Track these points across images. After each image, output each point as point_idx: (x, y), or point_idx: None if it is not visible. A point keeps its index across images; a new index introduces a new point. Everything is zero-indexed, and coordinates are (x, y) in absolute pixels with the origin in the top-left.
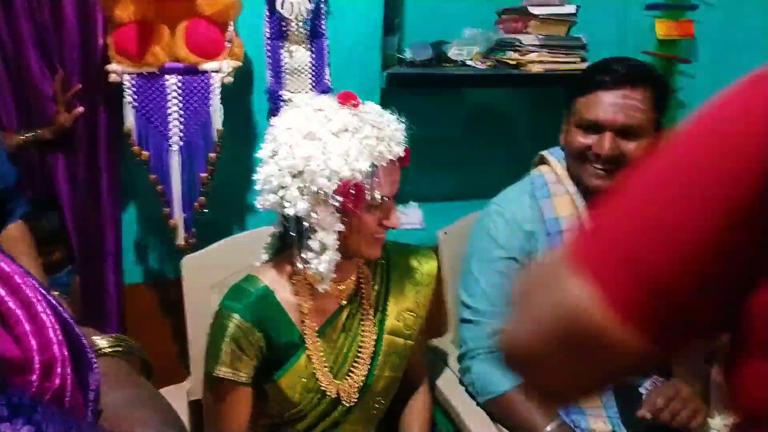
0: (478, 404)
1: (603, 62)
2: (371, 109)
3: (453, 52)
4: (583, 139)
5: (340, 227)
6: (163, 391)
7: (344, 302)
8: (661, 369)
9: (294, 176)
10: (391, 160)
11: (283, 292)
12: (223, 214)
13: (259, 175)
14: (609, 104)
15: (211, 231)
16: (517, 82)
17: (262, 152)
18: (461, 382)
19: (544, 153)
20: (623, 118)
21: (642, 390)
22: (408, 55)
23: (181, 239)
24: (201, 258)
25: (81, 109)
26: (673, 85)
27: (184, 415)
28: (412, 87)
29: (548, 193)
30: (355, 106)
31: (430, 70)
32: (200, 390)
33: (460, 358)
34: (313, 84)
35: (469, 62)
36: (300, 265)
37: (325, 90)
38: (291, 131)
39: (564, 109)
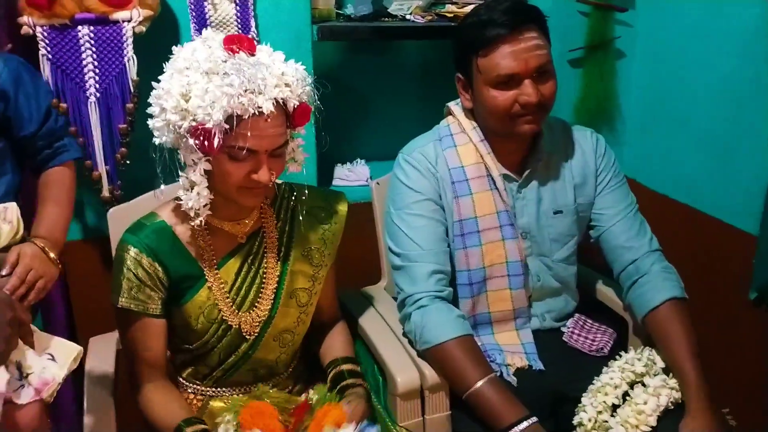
0: (418, 353)
1: (482, 15)
2: (258, 57)
3: (393, 7)
4: (503, 97)
5: (207, 166)
6: (95, 339)
7: (243, 240)
8: (583, 308)
9: (162, 108)
10: (259, 113)
11: (181, 227)
12: (153, 167)
13: (150, 99)
14: (517, 53)
15: (144, 184)
16: (453, 35)
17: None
18: (404, 333)
19: (450, 104)
20: (535, 61)
21: (563, 329)
22: (349, 10)
23: (105, 191)
24: (127, 210)
25: None
26: (611, 35)
27: (111, 364)
28: (344, 40)
29: (453, 143)
30: (233, 51)
31: (364, 24)
32: None
33: (400, 306)
34: None
35: (408, 16)
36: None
37: None
38: (174, 62)
39: (458, 72)
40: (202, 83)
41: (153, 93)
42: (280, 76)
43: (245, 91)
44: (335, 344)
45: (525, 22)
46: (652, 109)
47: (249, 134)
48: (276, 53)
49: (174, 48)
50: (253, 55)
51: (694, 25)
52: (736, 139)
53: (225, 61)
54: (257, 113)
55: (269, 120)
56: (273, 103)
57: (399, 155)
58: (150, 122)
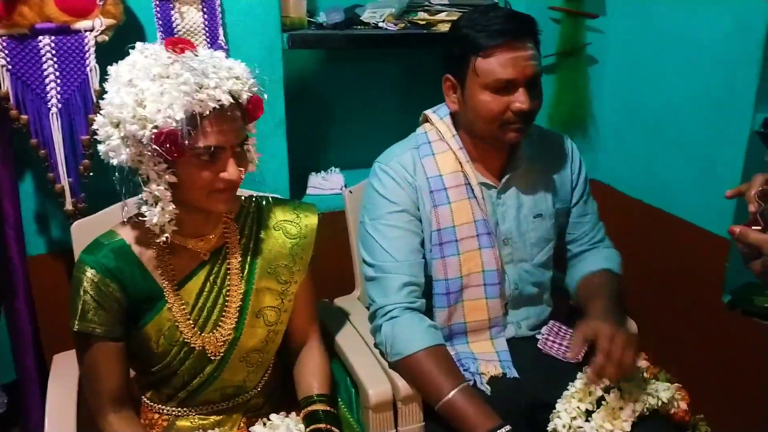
0: (390, 364)
1: (483, 20)
2: (204, 55)
3: (366, 15)
4: (496, 102)
5: (172, 179)
6: (59, 356)
7: (206, 257)
8: (557, 315)
9: (116, 126)
10: (219, 108)
11: (141, 246)
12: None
13: (95, 125)
14: (517, 60)
15: (108, 196)
16: (425, 43)
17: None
18: (375, 345)
19: (428, 112)
20: (531, 70)
21: (538, 336)
22: (321, 18)
23: (68, 204)
24: (91, 223)
25: None
26: (582, 41)
27: (75, 382)
28: (315, 48)
29: (430, 151)
30: (179, 51)
31: (336, 31)
32: None
33: (371, 318)
34: (208, 45)
35: (381, 24)
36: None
37: None
38: (116, 79)
39: (447, 73)
40: (154, 88)
41: (101, 113)
42: (229, 69)
43: (201, 87)
44: (312, 372)
45: (526, 32)
46: (626, 115)
47: (213, 130)
48: (217, 51)
49: (109, 68)
50: (196, 54)
51: (666, 30)
52: (710, 144)
53: (173, 63)
54: (217, 107)
55: (230, 113)
56: (229, 96)
57: (375, 164)
58: (102, 147)
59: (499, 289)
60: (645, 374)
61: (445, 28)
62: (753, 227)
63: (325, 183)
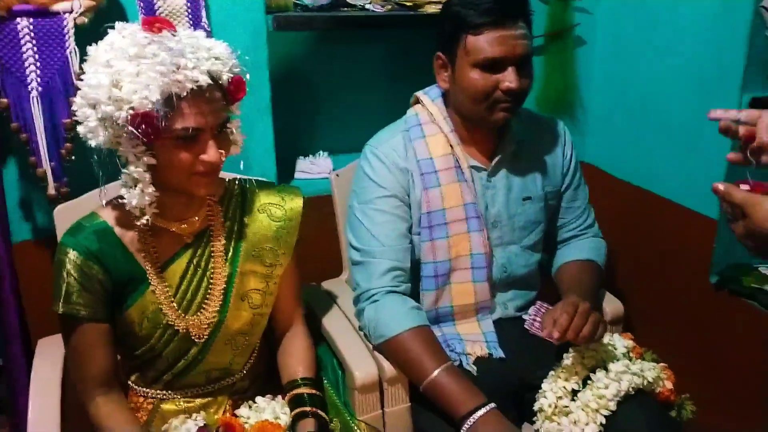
0: (374, 347)
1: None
2: (183, 35)
3: None
4: (485, 81)
5: (151, 161)
6: (44, 340)
7: (189, 240)
8: (544, 297)
9: (92, 107)
10: (198, 89)
11: (123, 228)
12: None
13: (74, 107)
14: (507, 38)
15: (92, 180)
16: (412, 24)
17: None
18: (360, 328)
19: (419, 93)
20: (522, 49)
21: (525, 317)
22: (307, 0)
23: (51, 189)
24: (74, 207)
25: None
26: (571, 22)
27: (59, 366)
28: (301, 30)
29: (421, 134)
30: (156, 31)
31: (321, 13)
32: None
33: (355, 301)
34: (191, 27)
35: (368, 6)
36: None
37: None
38: (94, 60)
39: (439, 51)
40: (130, 68)
41: (79, 94)
42: (208, 50)
43: (178, 68)
44: (296, 356)
45: (517, 12)
46: (614, 97)
47: (191, 112)
48: (197, 31)
49: (88, 48)
50: (175, 34)
51: (655, 12)
52: (697, 125)
53: (149, 43)
54: (195, 88)
55: (208, 94)
56: (208, 76)
57: (366, 147)
58: (81, 129)
59: (486, 273)
60: (631, 354)
61: (432, 9)
62: (741, 185)
63: (313, 167)
